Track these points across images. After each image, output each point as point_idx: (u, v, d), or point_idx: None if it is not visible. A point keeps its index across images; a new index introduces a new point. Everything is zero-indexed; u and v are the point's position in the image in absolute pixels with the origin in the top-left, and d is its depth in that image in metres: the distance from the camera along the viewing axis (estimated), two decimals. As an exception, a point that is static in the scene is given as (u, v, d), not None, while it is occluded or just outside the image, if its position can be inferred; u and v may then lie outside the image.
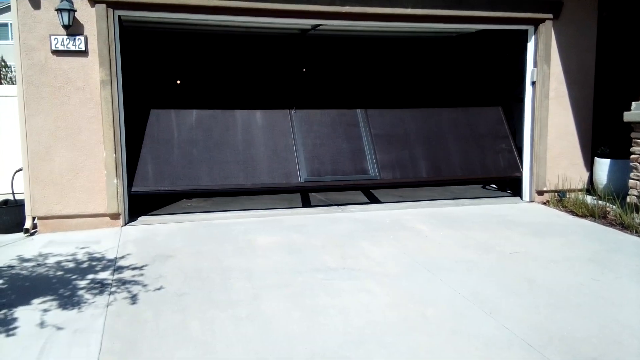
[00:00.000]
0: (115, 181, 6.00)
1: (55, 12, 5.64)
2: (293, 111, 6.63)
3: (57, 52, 5.75)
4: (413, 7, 6.59)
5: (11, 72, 24.08)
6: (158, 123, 6.33)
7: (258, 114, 6.70)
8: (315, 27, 6.80)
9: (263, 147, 6.67)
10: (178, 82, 6.44)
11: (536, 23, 7.13)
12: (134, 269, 4.64)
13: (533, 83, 7.26)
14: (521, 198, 7.50)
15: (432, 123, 7.18)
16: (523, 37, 7.30)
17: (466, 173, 7.18)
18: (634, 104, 6.31)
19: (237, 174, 6.50)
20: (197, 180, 6.31)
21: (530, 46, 7.27)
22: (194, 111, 6.43)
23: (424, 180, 6.93)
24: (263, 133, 6.69)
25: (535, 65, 7.22)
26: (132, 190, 6.14)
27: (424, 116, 7.12)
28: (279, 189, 6.48)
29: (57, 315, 3.70)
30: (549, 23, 7.08)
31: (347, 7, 6.42)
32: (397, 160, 6.98)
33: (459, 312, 3.75)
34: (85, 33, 5.81)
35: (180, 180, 6.27)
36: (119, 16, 6.02)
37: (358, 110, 6.91)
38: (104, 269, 4.63)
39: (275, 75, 6.75)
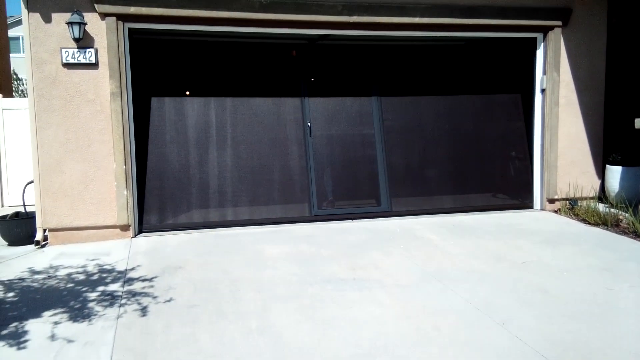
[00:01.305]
0: (125, 192, 6.02)
1: (66, 25, 5.70)
2: (309, 134, 6.64)
3: (67, 65, 5.81)
4: (421, 16, 6.59)
5: (22, 84, 24.38)
6: (163, 145, 6.34)
7: (271, 136, 6.67)
8: (324, 36, 6.83)
9: (276, 174, 6.66)
10: (187, 92, 6.46)
11: (545, 30, 7.11)
12: (144, 280, 4.64)
13: (543, 90, 7.22)
14: (532, 206, 7.45)
15: (446, 148, 7.18)
16: (532, 45, 7.27)
17: (479, 202, 7.26)
18: (645, 110, 6.25)
19: (248, 203, 6.59)
20: (206, 211, 6.47)
21: (540, 53, 7.25)
22: (203, 130, 6.44)
23: (436, 211, 7.06)
24: (276, 157, 6.68)
25: (544, 72, 7.19)
26: (143, 229, 6.29)
27: (439, 141, 7.12)
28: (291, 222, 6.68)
29: (67, 327, 3.70)
30: (558, 30, 7.05)
31: (355, 17, 6.43)
32: (410, 189, 7.06)
33: (471, 323, 3.71)
34: (95, 46, 5.86)
35: (189, 210, 6.41)
36: (129, 28, 6.06)
37: (375, 133, 6.91)
38: (114, 281, 4.64)
39: (288, 86, 6.73)
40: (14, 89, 20.35)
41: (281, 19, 6.25)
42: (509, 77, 7.32)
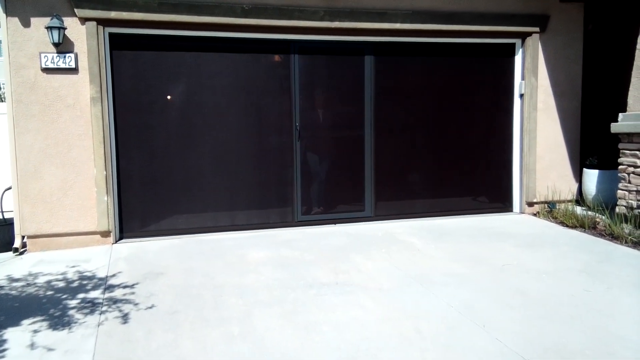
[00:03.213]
0: (105, 198, 5.97)
1: (46, 30, 5.64)
2: (297, 138, 6.62)
3: (47, 70, 5.75)
4: (402, 22, 6.66)
5: (0, 88, 23.95)
6: (144, 151, 6.26)
7: (257, 140, 6.65)
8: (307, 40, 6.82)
9: (260, 178, 6.64)
10: (169, 97, 6.41)
11: (523, 36, 7.23)
12: (125, 287, 4.60)
13: (521, 95, 7.34)
14: (512, 209, 7.55)
15: (428, 152, 7.24)
16: (511, 50, 7.39)
17: (460, 206, 7.42)
18: (620, 115, 6.39)
19: (231, 208, 6.61)
20: (188, 216, 6.47)
21: (518, 59, 7.37)
22: (186, 134, 6.39)
23: (418, 215, 7.23)
24: (261, 162, 6.65)
25: (523, 77, 7.31)
26: (124, 235, 6.26)
27: (421, 145, 7.19)
28: (274, 227, 6.75)
29: (47, 336, 3.66)
30: (535, 36, 7.18)
31: (337, 23, 6.48)
32: (393, 193, 7.16)
33: (452, 326, 3.75)
34: (75, 50, 5.81)
35: (170, 216, 6.41)
36: (110, 33, 6.03)
37: (365, 137, 6.93)
38: (94, 288, 4.59)
39: (277, 89, 6.70)
40: (-10, 93, 19.97)
41: (263, 24, 6.27)
42: (488, 82, 7.42)
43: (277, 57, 6.70)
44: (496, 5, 7.00)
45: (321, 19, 6.42)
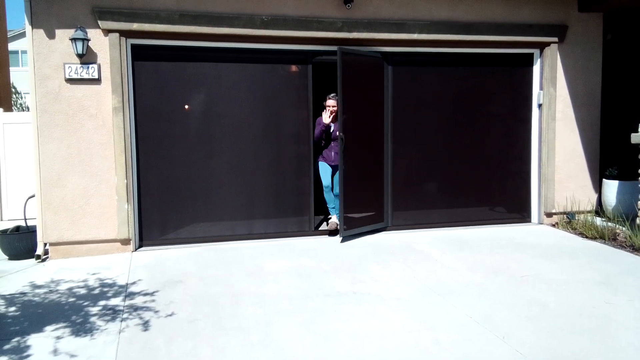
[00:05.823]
0: (126, 206, 6.05)
1: (70, 41, 5.77)
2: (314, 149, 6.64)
3: (70, 81, 5.87)
4: (420, 32, 6.69)
5: (21, 98, 24.44)
6: (164, 159, 6.34)
7: (277, 149, 6.74)
8: (322, 52, 6.87)
9: (278, 188, 6.70)
10: (187, 106, 6.50)
11: (542, 46, 7.21)
12: (145, 294, 4.66)
13: (540, 105, 7.31)
14: (530, 220, 7.50)
15: (446, 162, 7.24)
16: (529, 60, 7.37)
17: (478, 216, 7.41)
18: (641, 125, 6.32)
19: (250, 217, 6.67)
20: (207, 225, 6.55)
21: (536, 69, 7.34)
22: (205, 144, 6.46)
23: (435, 225, 7.23)
24: (279, 171, 6.71)
25: (541, 87, 7.28)
26: (144, 243, 6.34)
27: (439, 155, 7.20)
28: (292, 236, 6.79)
29: (69, 342, 3.72)
30: (554, 46, 7.15)
31: (355, 33, 6.53)
32: (411, 203, 7.19)
33: (471, 337, 3.74)
34: (98, 61, 5.93)
35: (189, 224, 6.49)
36: (132, 44, 6.14)
37: (384, 148, 6.97)
38: (115, 295, 4.66)
39: (295, 99, 6.75)
40: (12, 102, 20.39)
41: (282, 35, 6.34)
42: (506, 92, 7.40)
43: (295, 68, 6.76)
44: (514, 16, 7.00)
45: (339, 30, 6.48)
